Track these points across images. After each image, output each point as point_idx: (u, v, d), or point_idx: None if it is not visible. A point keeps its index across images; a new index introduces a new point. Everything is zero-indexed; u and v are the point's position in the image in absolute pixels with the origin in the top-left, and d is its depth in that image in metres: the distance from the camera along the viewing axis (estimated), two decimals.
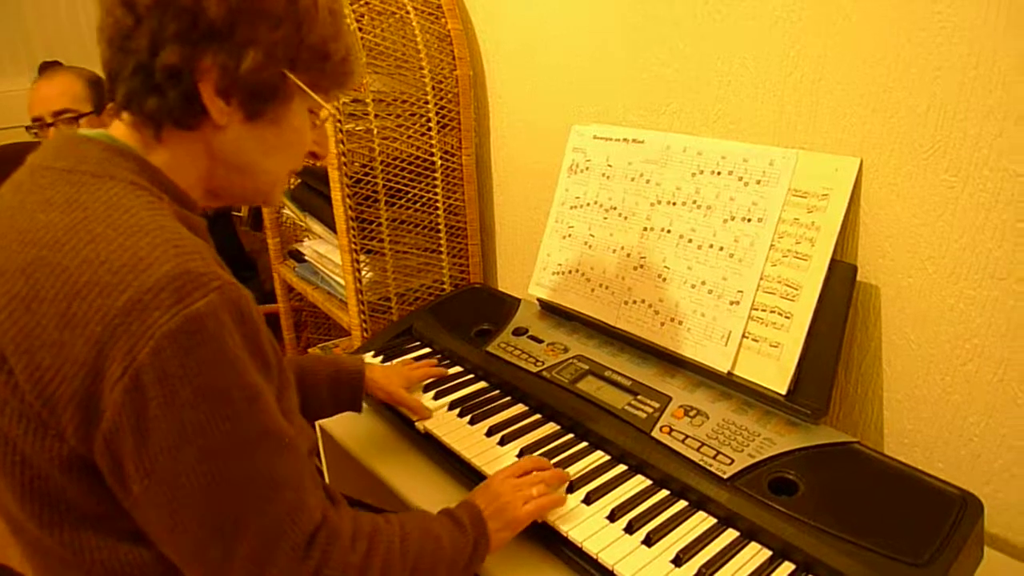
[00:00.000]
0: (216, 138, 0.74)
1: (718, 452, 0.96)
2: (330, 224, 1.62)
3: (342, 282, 1.64)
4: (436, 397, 1.19)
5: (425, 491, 1.05)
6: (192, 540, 0.66)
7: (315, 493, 0.73)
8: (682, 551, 0.84)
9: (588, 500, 0.94)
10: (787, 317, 1.02)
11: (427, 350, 1.35)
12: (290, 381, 0.79)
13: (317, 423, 1.27)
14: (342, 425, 1.23)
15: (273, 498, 0.68)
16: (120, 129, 0.74)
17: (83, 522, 0.68)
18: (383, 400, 1.17)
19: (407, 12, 1.53)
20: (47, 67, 3.44)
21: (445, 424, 1.12)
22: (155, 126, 0.72)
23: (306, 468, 0.74)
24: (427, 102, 1.56)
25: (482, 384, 1.23)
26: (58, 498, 0.67)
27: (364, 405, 1.19)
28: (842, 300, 0.99)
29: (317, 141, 0.82)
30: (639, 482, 0.98)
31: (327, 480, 1.40)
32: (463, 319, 1.38)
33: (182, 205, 0.73)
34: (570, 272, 1.33)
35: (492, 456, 1.04)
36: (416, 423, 1.13)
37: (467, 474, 1.04)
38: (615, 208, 1.27)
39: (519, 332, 1.31)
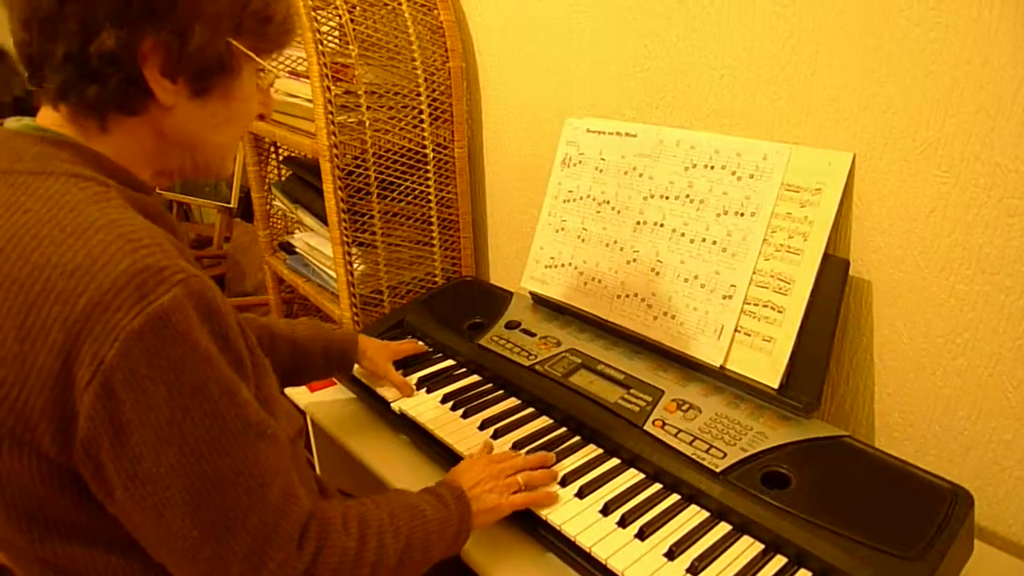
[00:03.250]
0: (164, 119, 0.70)
1: (711, 446, 0.96)
2: (321, 216, 1.61)
3: (333, 275, 1.64)
4: (429, 391, 1.18)
5: (419, 486, 1.04)
6: (184, 542, 0.64)
7: (303, 483, 0.73)
8: (675, 545, 0.85)
9: (581, 494, 0.94)
10: (780, 311, 1.03)
11: (419, 343, 1.34)
12: (266, 367, 0.77)
13: (307, 417, 1.27)
14: (333, 419, 1.23)
15: (262, 491, 0.67)
16: (51, 117, 0.69)
17: (72, 534, 0.66)
18: (370, 369, 1.20)
19: (399, 4, 1.52)
20: None
21: (438, 418, 1.12)
22: (98, 115, 0.67)
23: (291, 458, 0.73)
24: (419, 94, 1.55)
25: (475, 378, 1.22)
26: (45, 513, 0.65)
27: (352, 396, 1.19)
28: (834, 294, 1.00)
29: (262, 102, 0.79)
30: (632, 476, 0.98)
31: (318, 472, 1.40)
32: (455, 312, 1.38)
33: (133, 189, 0.69)
34: (563, 266, 1.33)
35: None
36: (392, 404, 1.15)
37: None
38: (608, 202, 1.27)
39: (512, 325, 1.30)
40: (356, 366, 1.21)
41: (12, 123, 0.69)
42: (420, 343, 1.32)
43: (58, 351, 0.58)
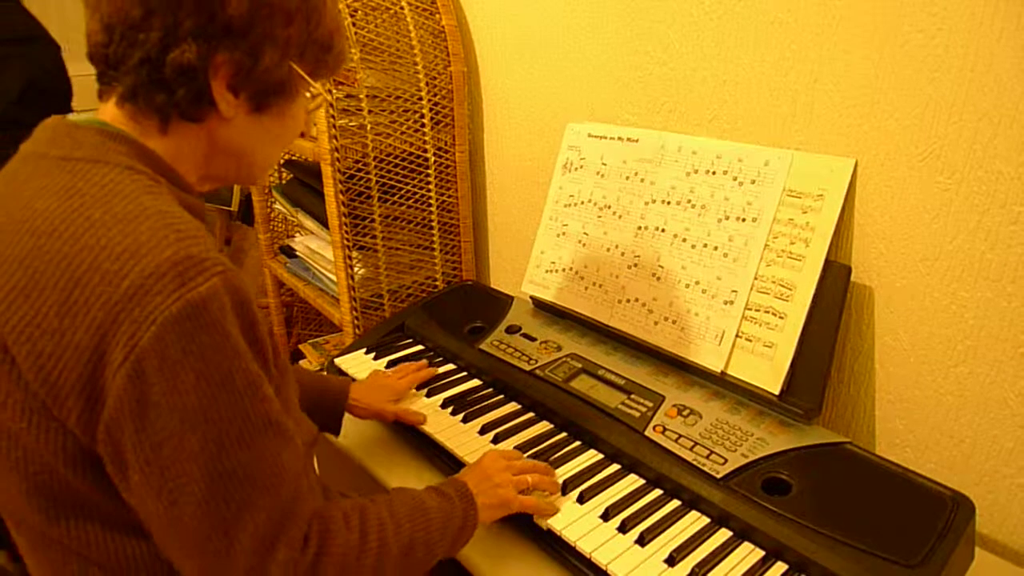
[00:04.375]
0: (220, 129, 0.73)
1: (711, 452, 0.96)
2: (322, 220, 1.61)
3: (334, 278, 1.64)
4: (428, 395, 1.18)
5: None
6: (194, 532, 0.65)
7: (311, 488, 0.73)
8: (675, 551, 0.84)
9: (581, 499, 0.93)
10: (781, 317, 1.03)
11: (419, 347, 1.34)
12: (289, 376, 0.79)
13: None
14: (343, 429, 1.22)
15: (275, 489, 0.68)
16: (112, 113, 0.72)
17: (90, 515, 0.67)
18: (372, 417, 1.15)
19: (401, 8, 1.52)
20: None
21: (438, 422, 1.11)
22: (161, 118, 0.71)
23: (303, 460, 0.73)
24: (421, 98, 1.56)
25: (475, 382, 1.22)
26: (64, 491, 0.66)
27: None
28: (836, 301, 1.00)
29: (306, 122, 0.83)
30: (632, 481, 0.98)
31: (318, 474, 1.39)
32: (456, 316, 1.38)
33: (181, 189, 0.72)
34: (564, 270, 1.33)
35: None
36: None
37: None
38: (609, 206, 1.27)
39: (512, 330, 1.30)
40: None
41: (74, 116, 0.72)
42: (427, 368, 1.25)
43: (96, 329, 0.60)
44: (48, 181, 0.66)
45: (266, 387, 0.67)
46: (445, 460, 1.06)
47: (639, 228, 1.21)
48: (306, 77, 0.75)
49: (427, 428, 1.10)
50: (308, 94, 0.79)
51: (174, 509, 0.64)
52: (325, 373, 1.20)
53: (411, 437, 1.13)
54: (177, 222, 0.64)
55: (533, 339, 1.27)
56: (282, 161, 1.98)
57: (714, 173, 1.12)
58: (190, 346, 0.61)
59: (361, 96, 1.48)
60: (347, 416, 1.17)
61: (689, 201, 1.15)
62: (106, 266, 0.60)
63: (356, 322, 1.61)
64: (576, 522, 0.90)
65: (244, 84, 0.71)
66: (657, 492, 0.95)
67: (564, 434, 1.08)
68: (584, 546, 0.86)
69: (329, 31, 0.75)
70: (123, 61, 0.68)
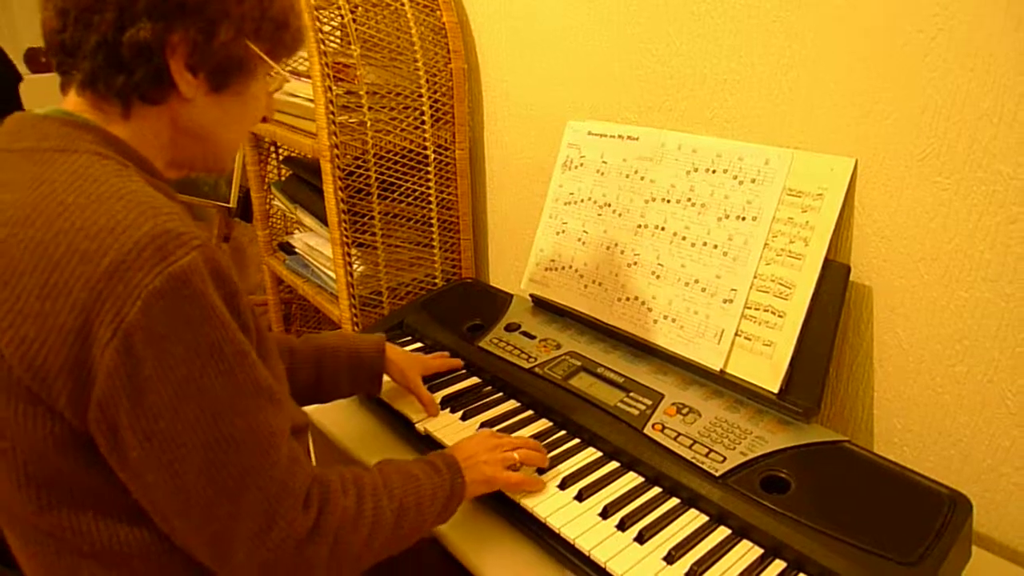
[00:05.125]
0: (181, 110, 0.74)
1: (710, 450, 0.96)
2: (321, 217, 1.61)
3: (333, 275, 1.64)
4: (428, 392, 1.18)
5: None
6: (199, 501, 0.66)
7: (306, 455, 0.76)
8: (674, 548, 0.85)
9: (580, 497, 0.94)
10: (780, 316, 1.03)
11: (418, 345, 1.34)
12: (273, 351, 0.80)
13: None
14: (332, 418, 1.22)
15: (273, 452, 0.69)
16: (74, 103, 0.72)
17: (82, 502, 0.68)
18: (399, 382, 1.15)
19: (402, 4, 1.52)
20: (34, 54, 3.40)
21: (437, 419, 1.12)
22: (122, 103, 0.71)
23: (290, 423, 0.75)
24: (421, 95, 1.56)
25: (474, 380, 1.22)
26: (55, 479, 0.66)
27: (356, 400, 1.18)
28: (835, 300, 1.00)
29: (267, 106, 0.84)
30: (631, 479, 0.98)
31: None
32: (455, 314, 1.38)
33: (148, 173, 0.73)
34: (563, 268, 1.33)
35: None
36: (416, 424, 1.11)
37: None
38: (609, 205, 1.27)
39: (512, 328, 1.30)
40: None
41: (38, 109, 0.72)
42: (454, 359, 1.25)
43: (80, 309, 0.60)
44: (15, 174, 0.67)
45: (253, 355, 0.69)
46: None
47: (639, 226, 1.22)
48: (263, 55, 0.76)
49: (426, 425, 1.10)
50: (268, 76, 0.80)
51: (176, 480, 0.64)
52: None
53: (408, 434, 1.13)
54: (151, 199, 0.65)
55: (532, 337, 1.27)
56: (281, 158, 1.98)
57: (714, 171, 1.13)
58: (176, 318, 0.61)
59: (361, 93, 1.47)
60: (339, 408, 1.18)
61: (689, 199, 1.15)
62: (84, 246, 0.61)
63: (355, 319, 1.61)
64: (575, 520, 0.90)
65: (201, 63, 0.71)
66: (656, 490, 0.96)
67: (563, 432, 1.08)
68: (583, 543, 0.86)
69: (283, 8, 0.76)
70: (79, 46, 0.68)
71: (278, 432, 0.70)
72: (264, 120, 0.85)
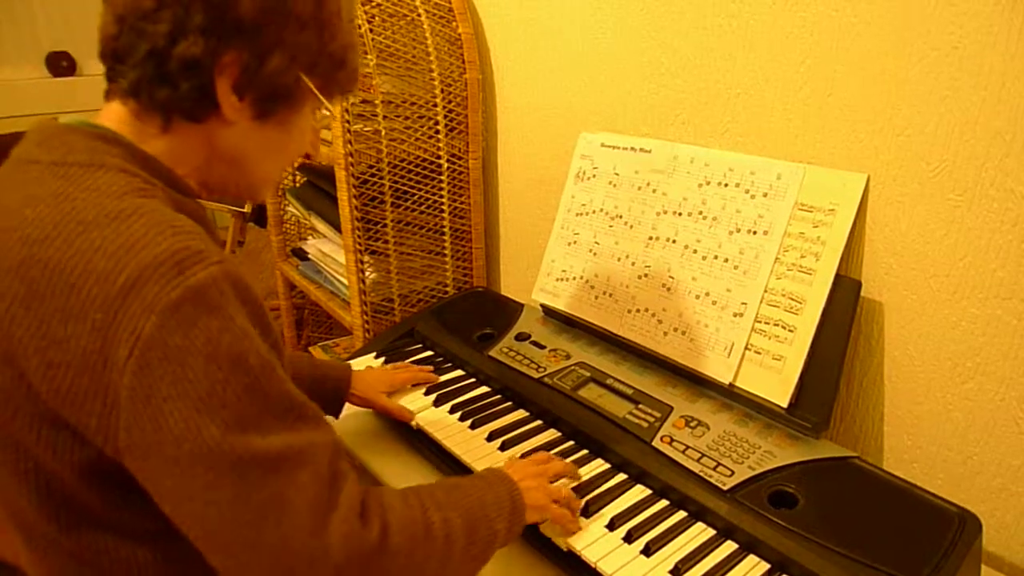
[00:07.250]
0: (221, 133, 0.72)
1: (718, 463, 0.96)
2: (335, 224, 1.62)
3: (345, 282, 1.65)
4: (437, 401, 1.18)
5: None
6: (242, 527, 0.61)
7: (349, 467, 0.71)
8: (681, 562, 0.85)
9: (587, 509, 0.94)
10: (790, 331, 1.03)
11: (428, 353, 1.35)
12: (289, 367, 0.76)
13: None
14: (345, 428, 1.23)
15: (312, 467, 0.64)
16: (115, 111, 0.71)
17: (101, 524, 0.67)
18: (360, 406, 1.16)
19: (418, 15, 1.54)
20: (55, 58, 3.45)
21: (446, 428, 1.12)
22: (164, 116, 0.70)
23: (334, 437, 0.70)
24: (435, 105, 1.57)
25: (483, 389, 1.23)
26: (74, 501, 0.65)
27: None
28: (846, 315, 1.00)
29: (312, 143, 0.81)
30: (639, 492, 0.98)
31: None
32: (466, 323, 1.39)
33: (178, 191, 0.71)
34: (574, 279, 1.33)
35: (493, 461, 1.04)
36: (410, 421, 1.13)
37: None
38: (621, 216, 1.27)
39: (522, 337, 1.31)
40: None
41: (68, 118, 0.71)
42: (423, 370, 1.25)
43: (97, 331, 0.58)
44: (39, 188, 0.65)
45: (280, 370, 0.65)
46: (451, 465, 1.07)
47: (650, 238, 1.22)
48: (315, 91, 0.74)
49: (435, 434, 1.10)
50: (317, 112, 0.78)
51: (212, 507, 0.60)
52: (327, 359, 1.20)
53: (419, 443, 1.13)
54: (172, 218, 0.63)
55: (542, 347, 1.27)
56: (296, 165, 2.00)
57: (726, 185, 1.13)
58: (193, 330, 0.58)
59: (376, 101, 1.49)
60: (351, 412, 1.18)
61: (700, 213, 1.15)
62: (100, 266, 0.59)
63: (366, 326, 1.62)
64: (582, 531, 0.90)
65: (249, 87, 0.70)
66: (664, 503, 0.96)
67: (571, 442, 1.08)
68: (589, 555, 0.86)
69: (343, 47, 0.74)
70: (130, 53, 0.67)
71: (319, 446, 0.66)
72: (308, 158, 0.82)
